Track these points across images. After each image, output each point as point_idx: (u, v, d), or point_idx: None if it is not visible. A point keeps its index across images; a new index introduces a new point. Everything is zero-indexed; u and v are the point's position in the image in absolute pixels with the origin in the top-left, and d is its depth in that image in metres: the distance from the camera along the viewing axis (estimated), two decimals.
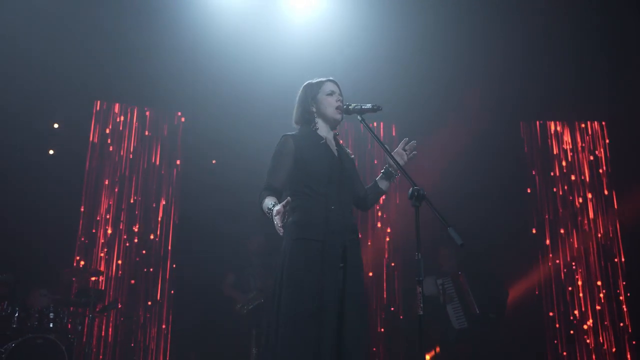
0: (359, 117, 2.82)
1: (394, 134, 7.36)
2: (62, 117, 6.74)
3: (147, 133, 7.09)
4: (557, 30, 5.96)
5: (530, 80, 6.54)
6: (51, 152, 6.73)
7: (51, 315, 5.41)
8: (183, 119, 7.23)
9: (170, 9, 5.75)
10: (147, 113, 7.14)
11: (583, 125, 7.30)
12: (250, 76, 6.25)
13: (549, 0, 5.70)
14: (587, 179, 7.13)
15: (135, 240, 6.76)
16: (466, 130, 6.53)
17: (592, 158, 7.18)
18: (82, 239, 6.59)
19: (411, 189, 2.47)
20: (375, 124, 7.19)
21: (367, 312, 2.91)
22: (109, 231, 6.73)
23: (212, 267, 6.39)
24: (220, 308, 6.30)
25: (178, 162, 7.11)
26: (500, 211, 6.71)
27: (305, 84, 3.08)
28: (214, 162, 7.15)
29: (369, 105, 2.81)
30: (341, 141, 3.10)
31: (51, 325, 5.38)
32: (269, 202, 2.71)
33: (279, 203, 2.62)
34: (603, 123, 7.26)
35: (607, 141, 7.19)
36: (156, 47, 6.10)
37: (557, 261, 6.93)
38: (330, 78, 3.05)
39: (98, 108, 6.97)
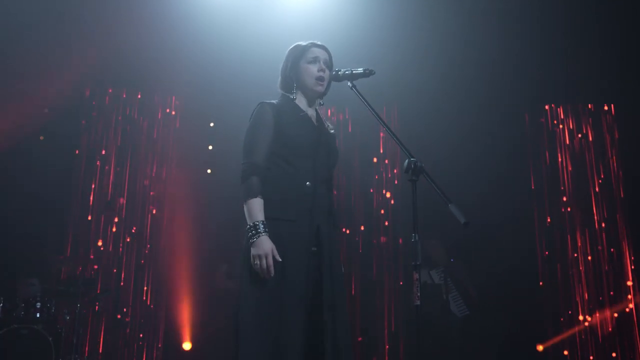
0: (349, 84, 2.56)
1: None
2: (52, 103, 6.53)
3: (140, 117, 6.87)
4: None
5: (536, 64, 6.29)
6: (42, 138, 6.54)
7: (38, 305, 5.25)
8: (177, 102, 6.98)
9: None
10: (139, 96, 6.89)
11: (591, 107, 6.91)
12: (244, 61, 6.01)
13: None
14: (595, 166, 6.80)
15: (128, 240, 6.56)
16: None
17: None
18: (74, 226, 6.39)
19: (407, 160, 2.21)
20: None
21: (345, 304, 2.50)
22: (102, 219, 6.51)
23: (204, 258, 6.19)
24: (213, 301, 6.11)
25: (171, 148, 6.89)
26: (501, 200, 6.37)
27: (291, 46, 2.75)
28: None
29: (360, 70, 2.54)
30: (323, 114, 2.80)
31: (38, 316, 5.23)
32: (258, 212, 2.42)
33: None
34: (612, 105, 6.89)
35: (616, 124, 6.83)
36: (150, 34, 5.87)
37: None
38: (319, 43, 2.71)
39: (89, 93, 6.79)
